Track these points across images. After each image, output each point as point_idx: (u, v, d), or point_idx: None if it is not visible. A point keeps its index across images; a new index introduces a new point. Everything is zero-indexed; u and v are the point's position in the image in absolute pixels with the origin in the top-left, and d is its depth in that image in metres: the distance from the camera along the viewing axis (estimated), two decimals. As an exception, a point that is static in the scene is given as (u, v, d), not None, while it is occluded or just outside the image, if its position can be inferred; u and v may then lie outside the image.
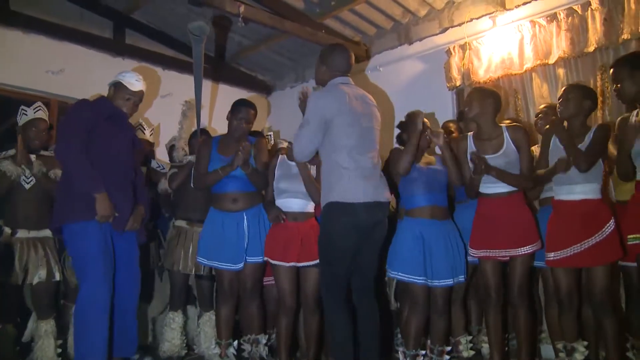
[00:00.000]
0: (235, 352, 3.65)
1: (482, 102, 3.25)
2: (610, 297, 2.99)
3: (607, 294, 2.93)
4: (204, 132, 4.25)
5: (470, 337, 3.65)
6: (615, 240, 2.91)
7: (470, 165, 3.22)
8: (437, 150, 3.48)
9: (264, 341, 3.61)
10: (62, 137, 3.01)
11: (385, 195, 2.97)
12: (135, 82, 3.20)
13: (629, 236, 2.86)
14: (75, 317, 2.99)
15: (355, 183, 2.84)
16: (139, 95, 3.24)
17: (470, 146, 3.29)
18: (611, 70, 2.96)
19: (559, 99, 3.15)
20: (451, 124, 4.07)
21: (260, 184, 3.61)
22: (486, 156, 3.19)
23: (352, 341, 2.87)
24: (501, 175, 3.15)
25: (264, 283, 3.82)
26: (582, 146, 2.98)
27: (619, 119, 3.00)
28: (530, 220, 3.19)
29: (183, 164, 4.11)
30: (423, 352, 3.34)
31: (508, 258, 3.17)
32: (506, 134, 3.21)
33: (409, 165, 3.25)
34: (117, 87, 3.20)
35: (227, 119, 3.69)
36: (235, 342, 3.67)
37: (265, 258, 3.53)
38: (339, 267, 2.91)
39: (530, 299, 3.27)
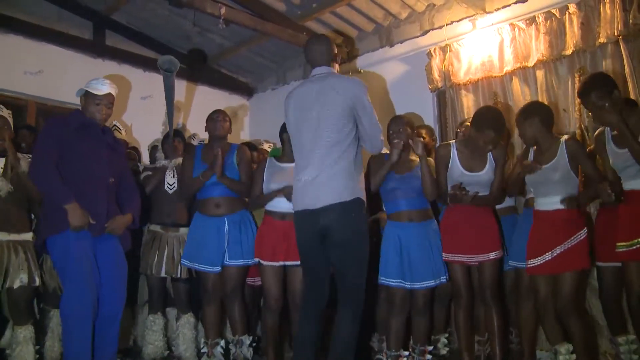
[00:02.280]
0: (222, 352, 3.69)
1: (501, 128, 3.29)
2: (576, 301, 3.06)
3: (572, 299, 3.00)
4: (178, 134, 4.26)
5: (447, 335, 3.71)
6: (584, 250, 3.00)
7: (451, 190, 3.21)
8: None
9: (248, 342, 3.64)
10: (33, 159, 3.14)
11: (330, 199, 2.80)
12: (101, 87, 3.22)
13: (618, 244, 2.93)
14: (61, 322, 3.13)
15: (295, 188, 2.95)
16: (108, 98, 3.24)
17: (454, 158, 3.31)
18: (579, 100, 3.03)
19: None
20: (423, 130, 4.04)
21: (240, 192, 3.68)
22: (471, 173, 3.25)
23: (309, 348, 2.88)
24: (476, 201, 3.23)
25: (248, 283, 3.88)
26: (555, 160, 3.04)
27: (596, 133, 3.10)
28: (496, 229, 3.33)
29: (157, 167, 4.11)
30: (406, 352, 3.38)
31: (477, 263, 3.24)
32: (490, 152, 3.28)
33: (381, 181, 3.34)
34: (86, 95, 3.23)
35: (205, 130, 3.83)
36: (223, 342, 3.72)
37: (256, 259, 3.58)
38: (304, 275, 3.02)
39: (501, 301, 3.36)
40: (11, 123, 3.58)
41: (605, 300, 3.34)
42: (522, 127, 3.11)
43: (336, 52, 3.07)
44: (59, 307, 3.09)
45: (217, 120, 3.77)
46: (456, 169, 3.30)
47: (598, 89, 2.93)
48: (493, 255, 3.25)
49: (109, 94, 3.24)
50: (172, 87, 3.47)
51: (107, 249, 3.21)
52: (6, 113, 3.58)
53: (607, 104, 2.87)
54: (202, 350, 3.73)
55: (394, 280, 3.29)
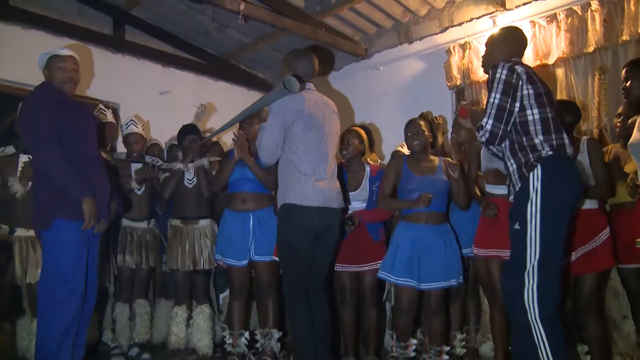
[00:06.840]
0: (247, 343, 3.77)
1: None
2: (596, 302, 3.03)
3: (593, 299, 2.98)
4: (196, 131, 4.26)
5: (464, 335, 3.67)
6: (608, 249, 2.95)
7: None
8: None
9: (277, 336, 3.70)
10: (38, 143, 2.77)
11: (338, 202, 3.06)
12: (62, 50, 2.98)
13: (637, 239, 2.88)
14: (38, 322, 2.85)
15: (311, 188, 2.93)
16: (72, 60, 2.98)
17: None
18: (624, 68, 2.98)
19: None
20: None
21: (268, 183, 3.69)
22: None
23: (312, 337, 2.96)
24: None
25: None
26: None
27: (629, 121, 3.01)
28: None
29: (174, 171, 4.12)
30: (415, 340, 3.41)
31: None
32: None
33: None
34: (49, 62, 2.96)
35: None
36: (247, 333, 3.79)
37: (275, 258, 3.60)
38: (300, 268, 2.99)
39: None
40: None
41: (633, 302, 3.31)
42: None
43: None
44: (37, 307, 2.81)
45: (245, 124, 3.83)
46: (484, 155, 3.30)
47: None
48: None
49: (72, 57, 2.98)
50: (270, 101, 3.42)
51: (94, 244, 3.02)
52: None
53: None
54: (227, 341, 3.80)
55: (401, 279, 3.28)
